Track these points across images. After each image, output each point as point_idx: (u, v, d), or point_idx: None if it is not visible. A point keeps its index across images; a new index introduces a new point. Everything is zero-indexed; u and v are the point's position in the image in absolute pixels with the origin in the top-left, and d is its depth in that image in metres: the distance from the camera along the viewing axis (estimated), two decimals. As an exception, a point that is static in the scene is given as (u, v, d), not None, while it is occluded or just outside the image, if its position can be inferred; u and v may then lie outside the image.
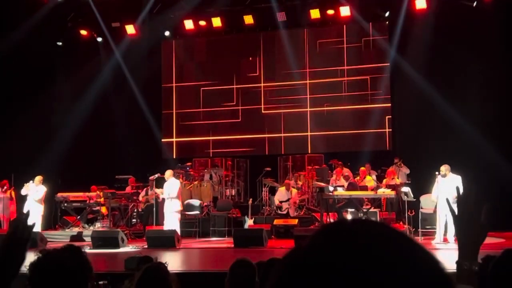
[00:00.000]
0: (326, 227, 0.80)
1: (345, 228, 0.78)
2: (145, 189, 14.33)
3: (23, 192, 12.96)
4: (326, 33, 16.64)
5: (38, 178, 12.87)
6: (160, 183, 14.06)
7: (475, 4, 14.29)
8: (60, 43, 16.86)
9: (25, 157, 15.20)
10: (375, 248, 0.73)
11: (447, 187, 10.69)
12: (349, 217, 12.40)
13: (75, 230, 13.43)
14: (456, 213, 1.57)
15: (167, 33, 17.32)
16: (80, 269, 2.05)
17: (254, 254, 9.47)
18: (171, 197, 11.90)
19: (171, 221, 11.87)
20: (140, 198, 14.23)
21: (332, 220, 12.43)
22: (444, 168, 10.77)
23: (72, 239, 12.72)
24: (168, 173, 12.27)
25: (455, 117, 14.16)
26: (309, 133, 16.48)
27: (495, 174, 13.47)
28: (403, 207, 12.03)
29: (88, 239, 12.00)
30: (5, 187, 13.79)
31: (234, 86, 17.21)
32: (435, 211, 11.33)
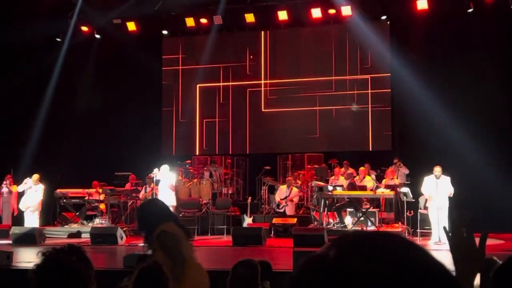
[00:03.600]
0: (351, 237, 0.82)
1: (371, 240, 0.81)
2: (144, 186, 14.34)
3: (21, 188, 12.97)
4: (327, 32, 16.64)
5: (36, 177, 12.86)
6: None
7: (471, 10, 14.29)
8: (59, 39, 16.80)
9: (24, 153, 15.24)
10: (403, 261, 0.77)
11: (442, 188, 10.83)
12: (348, 217, 12.41)
13: (74, 227, 13.43)
14: (450, 240, 1.57)
15: (168, 30, 17.30)
16: (86, 271, 2.05)
17: (253, 252, 9.49)
18: (165, 188, 11.90)
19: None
20: (140, 196, 14.24)
21: (331, 220, 12.47)
22: (440, 169, 10.91)
23: (71, 236, 12.73)
24: (164, 168, 12.28)
25: (455, 118, 14.17)
26: (309, 132, 16.48)
27: (495, 176, 13.49)
28: (402, 207, 12.05)
29: (86, 235, 12.01)
30: (8, 181, 13.79)
31: (235, 83, 17.20)
32: (425, 208, 11.44)
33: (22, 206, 12.92)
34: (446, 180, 10.95)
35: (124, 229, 12.46)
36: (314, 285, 0.76)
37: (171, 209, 11.80)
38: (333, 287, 0.75)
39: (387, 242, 0.80)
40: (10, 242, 11.48)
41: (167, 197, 11.88)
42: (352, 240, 0.81)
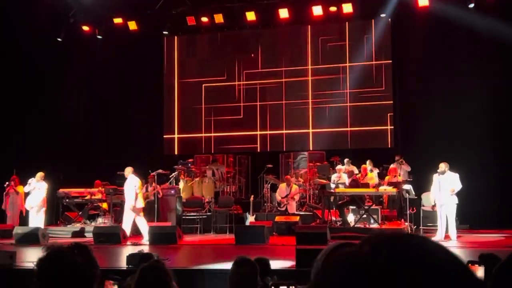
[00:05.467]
0: (384, 236, 0.86)
1: (403, 240, 0.85)
2: (145, 185, 14.34)
3: (26, 189, 12.98)
4: (328, 30, 16.64)
5: (40, 175, 12.85)
6: (161, 179, 14.13)
7: (472, 5, 14.26)
8: (60, 39, 16.76)
9: (27, 153, 15.25)
10: (432, 263, 0.81)
11: (445, 184, 10.76)
12: (350, 215, 12.40)
13: (77, 226, 13.45)
14: None
15: (169, 30, 17.29)
16: (90, 267, 2.06)
17: (255, 251, 9.48)
18: (129, 191, 11.90)
19: (130, 219, 11.84)
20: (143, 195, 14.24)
21: (333, 218, 12.46)
22: (444, 165, 10.81)
23: (74, 235, 12.75)
24: (128, 170, 12.16)
25: (457, 114, 14.17)
26: (310, 130, 16.49)
27: (496, 172, 13.49)
28: (404, 204, 12.04)
29: (89, 235, 12.03)
30: (14, 182, 13.79)
31: (236, 83, 17.21)
32: (433, 208, 11.40)
33: (27, 206, 12.95)
34: (453, 176, 10.82)
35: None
36: (346, 280, 0.80)
37: (138, 211, 11.87)
38: (365, 283, 0.79)
39: (419, 243, 0.84)
40: (13, 242, 11.50)
41: (131, 199, 11.88)
42: (385, 239, 0.85)
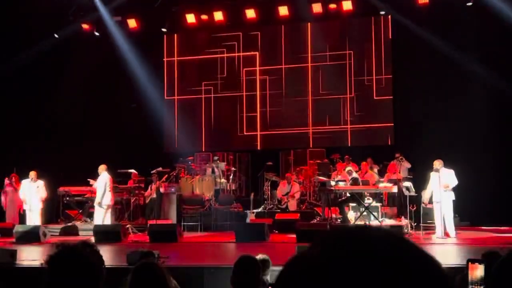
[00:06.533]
0: (333, 234, 0.83)
1: (351, 235, 0.81)
2: (151, 184, 14.37)
3: (22, 189, 12.88)
4: (328, 27, 16.61)
5: (34, 174, 12.78)
6: (161, 177, 14.13)
7: (471, 3, 14.27)
8: (57, 36, 16.69)
9: (27, 151, 15.25)
10: (384, 254, 0.76)
11: (441, 181, 10.80)
12: (351, 212, 12.41)
13: (77, 224, 13.44)
14: None
15: (168, 27, 17.27)
16: (99, 265, 2.08)
17: (256, 248, 9.49)
18: (101, 188, 12.08)
19: (100, 215, 12.03)
20: (146, 194, 14.27)
21: (334, 216, 12.47)
22: (438, 163, 10.84)
23: (65, 232, 12.71)
24: (101, 167, 12.38)
25: (458, 111, 14.16)
26: (310, 128, 16.48)
27: (497, 168, 13.50)
28: (404, 201, 12.04)
29: (83, 233, 12.09)
30: (13, 180, 13.78)
31: (236, 81, 17.19)
32: (426, 205, 11.46)
33: (26, 205, 12.89)
34: (448, 173, 10.87)
35: (127, 226, 12.48)
36: (300, 283, 0.77)
37: (107, 208, 11.97)
38: (318, 286, 0.75)
39: (370, 236, 0.80)
40: (14, 240, 11.50)
41: (103, 196, 11.99)
42: (334, 237, 0.81)
